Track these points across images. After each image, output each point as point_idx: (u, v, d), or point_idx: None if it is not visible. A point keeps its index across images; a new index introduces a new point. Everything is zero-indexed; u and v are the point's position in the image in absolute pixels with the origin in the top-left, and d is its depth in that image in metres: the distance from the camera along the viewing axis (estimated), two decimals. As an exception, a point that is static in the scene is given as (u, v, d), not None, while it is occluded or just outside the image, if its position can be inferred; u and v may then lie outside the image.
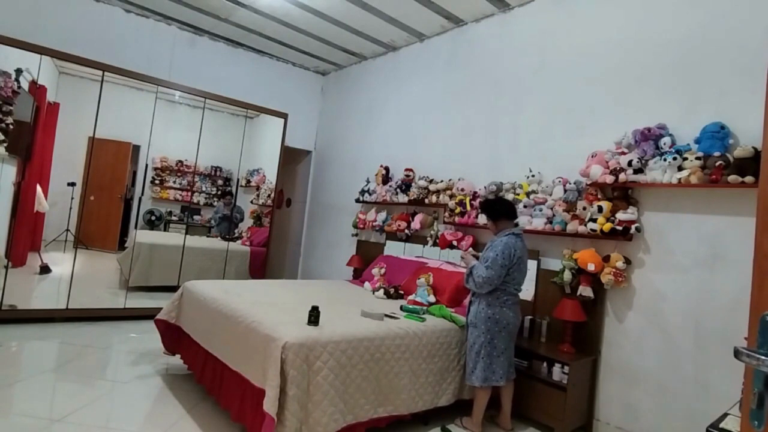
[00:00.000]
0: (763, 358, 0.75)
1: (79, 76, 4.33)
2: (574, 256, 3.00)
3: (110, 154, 4.66)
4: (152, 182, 5.12)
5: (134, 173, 4.98)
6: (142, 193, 4.93)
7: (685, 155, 2.59)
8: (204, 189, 5.40)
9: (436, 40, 4.66)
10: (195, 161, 5.03)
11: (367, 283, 3.86)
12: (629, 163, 2.79)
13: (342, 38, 4.99)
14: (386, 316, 2.82)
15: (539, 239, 3.36)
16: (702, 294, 2.57)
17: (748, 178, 2.31)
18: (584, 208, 3.00)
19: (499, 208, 2.82)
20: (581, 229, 2.97)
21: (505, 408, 2.82)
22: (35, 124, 3.97)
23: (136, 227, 4.91)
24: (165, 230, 5.22)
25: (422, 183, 4.26)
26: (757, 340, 0.80)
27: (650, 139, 2.77)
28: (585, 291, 2.93)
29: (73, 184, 4.37)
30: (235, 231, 5.42)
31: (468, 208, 3.75)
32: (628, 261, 2.87)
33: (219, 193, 5.47)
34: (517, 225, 3.06)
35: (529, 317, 3.22)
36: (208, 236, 5.34)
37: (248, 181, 5.59)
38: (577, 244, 3.10)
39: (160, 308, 3.28)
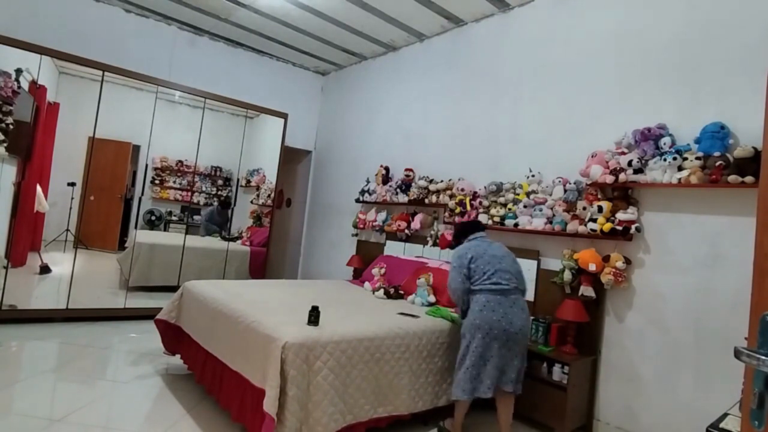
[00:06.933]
0: (763, 358, 0.75)
1: (79, 76, 4.33)
2: (575, 256, 3.00)
3: (110, 154, 4.65)
4: (152, 182, 5.12)
5: (134, 173, 4.98)
6: (142, 193, 4.93)
7: (685, 155, 2.59)
8: (204, 189, 5.40)
9: (436, 40, 4.66)
10: (195, 161, 5.03)
11: (367, 283, 3.86)
12: (629, 163, 2.79)
13: (342, 38, 4.99)
14: (405, 314, 2.90)
15: (539, 239, 3.36)
16: (702, 294, 2.57)
17: (748, 178, 2.31)
18: (584, 208, 3.00)
19: (456, 234, 2.94)
20: (581, 229, 2.97)
21: (501, 421, 2.62)
22: (35, 124, 3.97)
23: (136, 227, 4.91)
24: (165, 230, 5.22)
25: (422, 183, 4.26)
26: (757, 340, 0.80)
27: (650, 139, 2.77)
28: (587, 291, 2.93)
29: (73, 184, 4.37)
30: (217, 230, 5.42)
31: (468, 208, 3.75)
32: (628, 261, 2.87)
33: (220, 198, 5.45)
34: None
35: (531, 317, 3.21)
36: (212, 236, 5.34)
37: (248, 181, 5.59)
38: (577, 244, 3.10)
39: (160, 308, 3.28)
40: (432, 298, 3.36)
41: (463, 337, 2.62)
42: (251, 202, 5.64)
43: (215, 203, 5.44)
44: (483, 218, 3.62)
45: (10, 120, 3.62)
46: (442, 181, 4.12)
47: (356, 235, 5.15)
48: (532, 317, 3.20)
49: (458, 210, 3.81)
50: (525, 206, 3.36)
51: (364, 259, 4.80)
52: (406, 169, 4.48)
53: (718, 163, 2.42)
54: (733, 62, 2.58)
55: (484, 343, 2.50)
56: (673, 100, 2.81)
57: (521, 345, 2.56)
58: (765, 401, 0.78)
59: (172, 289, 4.01)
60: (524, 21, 3.81)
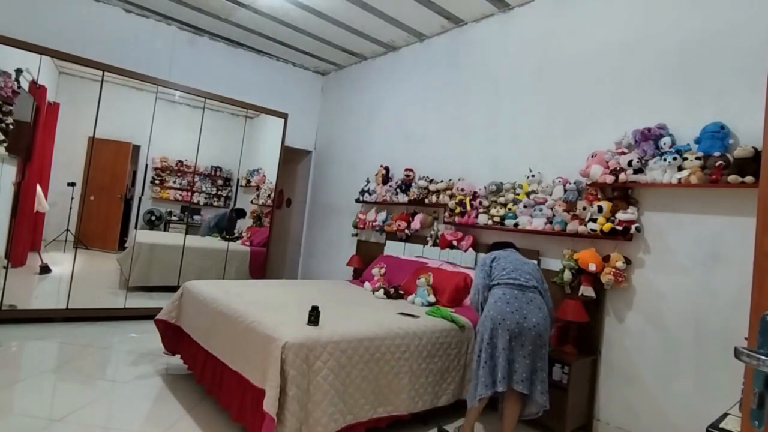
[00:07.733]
0: (764, 358, 0.75)
1: (79, 76, 4.32)
2: (575, 257, 3.00)
3: (110, 154, 4.65)
4: (152, 182, 5.12)
5: (134, 173, 4.98)
6: (142, 193, 4.93)
7: (685, 155, 2.59)
8: (204, 189, 5.40)
9: (436, 40, 4.66)
10: (195, 161, 5.03)
11: (367, 283, 3.86)
12: (629, 163, 2.79)
13: (342, 38, 4.99)
14: (405, 314, 2.90)
15: (539, 239, 3.36)
16: (702, 294, 2.57)
17: (748, 178, 2.31)
18: (584, 208, 3.00)
19: (488, 249, 2.92)
20: (581, 229, 2.97)
21: (505, 422, 2.56)
22: (35, 124, 3.97)
23: (136, 227, 4.91)
24: (165, 230, 5.21)
25: (422, 183, 4.26)
26: (757, 340, 0.80)
27: (650, 139, 2.77)
28: (587, 291, 2.93)
29: (73, 184, 4.37)
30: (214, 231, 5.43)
31: (468, 208, 3.75)
32: (628, 261, 2.87)
33: (234, 207, 5.45)
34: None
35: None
36: (211, 236, 5.34)
37: (248, 181, 5.59)
38: (577, 244, 3.10)
39: (160, 308, 3.28)
40: (432, 298, 3.35)
41: (477, 333, 2.60)
42: (251, 202, 5.64)
43: (228, 209, 5.44)
44: (483, 218, 3.62)
45: (10, 120, 3.62)
46: (442, 181, 4.12)
47: (356, 235, 5.15)
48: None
49: (458, 210, 3.81)
50: (525, 206, 3.36)
51: (364, 259, 4.80)
52: (406, 169, 4.48)
53: (718, 163, 2.42)
54: (733, 62, 2.58)
55: (496, 335, 2.44)
56: (673, 100, 2.81)
57: (535, 344, 2.43)
58: (765, 401, 0.78)
59: (172, 289, 4.01)
60: (524, 21, 3.81)
